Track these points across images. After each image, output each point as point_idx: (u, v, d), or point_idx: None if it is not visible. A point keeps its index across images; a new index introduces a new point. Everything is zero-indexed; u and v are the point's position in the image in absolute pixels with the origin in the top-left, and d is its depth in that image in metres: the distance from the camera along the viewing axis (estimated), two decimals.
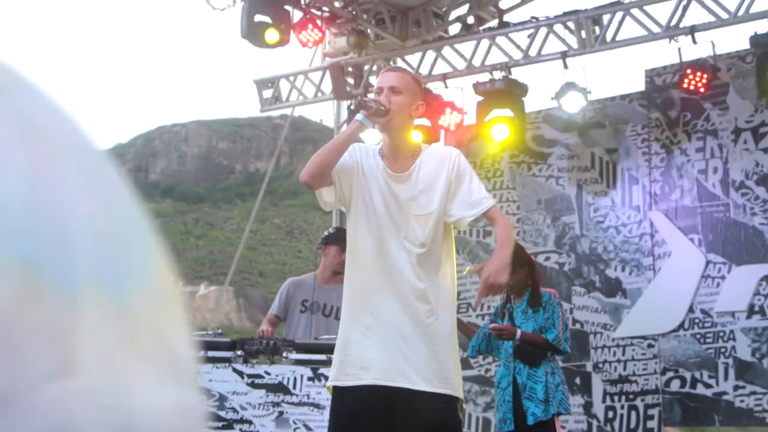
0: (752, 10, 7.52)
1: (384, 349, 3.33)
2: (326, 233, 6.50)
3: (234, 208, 63.87)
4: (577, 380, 8.12)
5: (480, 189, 3.44)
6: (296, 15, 8.34)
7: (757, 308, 7.58)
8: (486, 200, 3.42)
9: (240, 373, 6.04)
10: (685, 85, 7.81)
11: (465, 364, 8.62)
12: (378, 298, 3.37)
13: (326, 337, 6.74)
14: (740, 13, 7.53)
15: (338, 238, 6.30)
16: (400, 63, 9.33)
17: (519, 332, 5.45)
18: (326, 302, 6.31)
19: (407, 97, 3.46)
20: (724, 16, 7.61)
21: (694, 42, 7.71)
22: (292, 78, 9.72)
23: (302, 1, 8.41)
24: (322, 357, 6.28)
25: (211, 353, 6.21)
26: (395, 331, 3.33)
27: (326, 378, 6.05)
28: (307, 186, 3.40)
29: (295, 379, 6.05)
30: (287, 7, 8.11)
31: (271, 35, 7.88)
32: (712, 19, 7.66)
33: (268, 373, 6.08)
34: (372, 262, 3.39)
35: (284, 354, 6.30)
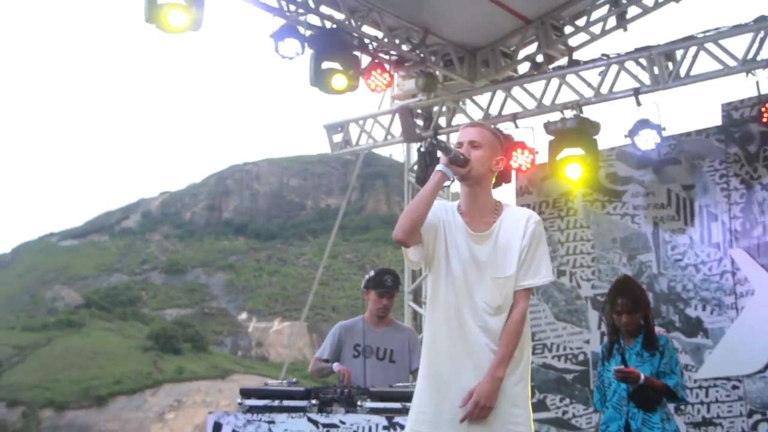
0: None
1: (458, 412, 3.27)
2: (367, 276, 6.33)
3: (306, 245, 64.36)
4: None
5: (547, 262, 3.40)
6: (364, 59, 8.37)
7: None
8: (547, 276, 3.38)
9: (315, 423, 6.00)
10: (764, 119, 7.61)
11: (542, 406, 8.50)
12: (453, 361, 3.32)
13: (400, 384, 6.65)
14: None
15: (376, 283, 6.23)
16: (469, 104, 9.30)
17: (643, 376, 5.19)
18: (379, 345, 6.21)
19: (487, 151, 3.41)
20: None
21: None
22: (361, 122, 9.76)
23: (370, 46, 8.45)
24: (398, 405, 6.20)
25: (285, 402, 6.19)
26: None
27: (401, 427, 5.98)
28: (401, 244, 3.36)
29: (370, 428, 5.99)
30: (356, 53, 8.15)
31: (340, 82, 7.91)
32: None
33: (343, 423, 6.03)
34: (449, 321, 3.35)
35: (359, 402, 6.24)
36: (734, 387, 7.74)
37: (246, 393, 6.45)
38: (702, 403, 7.88)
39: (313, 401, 6.20)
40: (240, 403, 6.27)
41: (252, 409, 6.17)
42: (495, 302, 3.32)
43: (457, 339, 3.32)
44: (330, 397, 6.23)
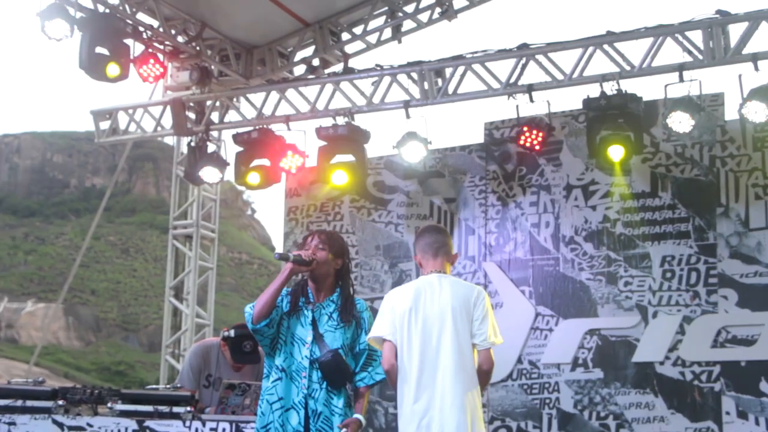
0: (585, 74, 7.84)
1: None
2: (224, 333, 6.23)
3: (67, 224, 61.43)
4: None
5: None
6: (138, 48, 8.11)
7: (580, 361, 7.84)
8: None
9: (60, 425, 5.78)
10: (521, 141, 8.02)
11: None
12: None
13: (152, 387, 6.49)
14: (575, 75, 7.84)
15: (233, 348, 6.18)
16: (243, 102, 9.22)
17: (363, 420, 4.34)
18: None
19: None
20: (560, 77, 7.90)
21: (531, 101, 7.96)
22: (131, 111, 9.45)
23: (144, 35, 8.20)
24: (149, 408, 6.05)
25: (29, 403, 5.91)
26: None
27: (152, 431, 5.85)
28: None
29: (119, 431, 5.83)
30: (127, 41, 7.87)
31: (111, 69, 7.61)
32: (549, 79, 7.93)
33: (91, 425, 5.85)
34: None
35: (109, 404, 6.04)
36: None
37: None
38: None
39: (60, 402, 5.95)
40: None
41: None
42: None
43: None
44: (78, 397, 6.00)
